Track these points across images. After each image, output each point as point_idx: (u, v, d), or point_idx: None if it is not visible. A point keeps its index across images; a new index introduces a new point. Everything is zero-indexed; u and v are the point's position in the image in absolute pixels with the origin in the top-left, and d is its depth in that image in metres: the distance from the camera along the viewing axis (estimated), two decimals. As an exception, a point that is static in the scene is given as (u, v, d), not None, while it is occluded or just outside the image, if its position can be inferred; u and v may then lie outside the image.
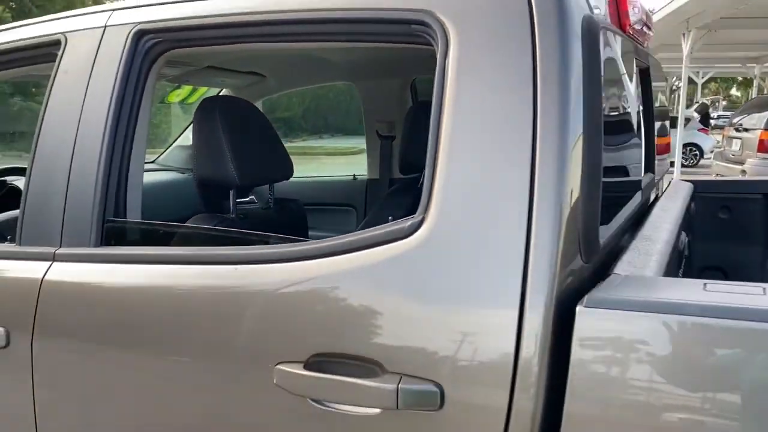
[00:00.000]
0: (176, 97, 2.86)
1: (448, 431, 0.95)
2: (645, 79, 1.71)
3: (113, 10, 1.41)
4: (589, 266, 1.00)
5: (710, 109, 22.16)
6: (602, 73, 1.02)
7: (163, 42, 1.33)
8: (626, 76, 1.36)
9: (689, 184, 2.19)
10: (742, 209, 2.19)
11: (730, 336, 0.84)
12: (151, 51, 1.34)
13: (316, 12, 1.19)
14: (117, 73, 1.30)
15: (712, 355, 0.84)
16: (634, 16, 1.40)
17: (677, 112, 13.48)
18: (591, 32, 1.02)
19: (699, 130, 16.22)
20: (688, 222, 1.76)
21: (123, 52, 1.31)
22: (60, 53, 1.41)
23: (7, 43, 1.56)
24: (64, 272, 1.30)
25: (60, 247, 1.31)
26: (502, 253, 0.93)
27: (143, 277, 1.23)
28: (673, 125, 11.76)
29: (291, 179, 1.86)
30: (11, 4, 26.74)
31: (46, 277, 1.30)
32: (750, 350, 0.83)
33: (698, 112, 17.48)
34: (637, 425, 0.86)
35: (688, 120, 16.50)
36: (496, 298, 0.93)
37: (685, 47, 11.04)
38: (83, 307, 1.28)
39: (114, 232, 1.31)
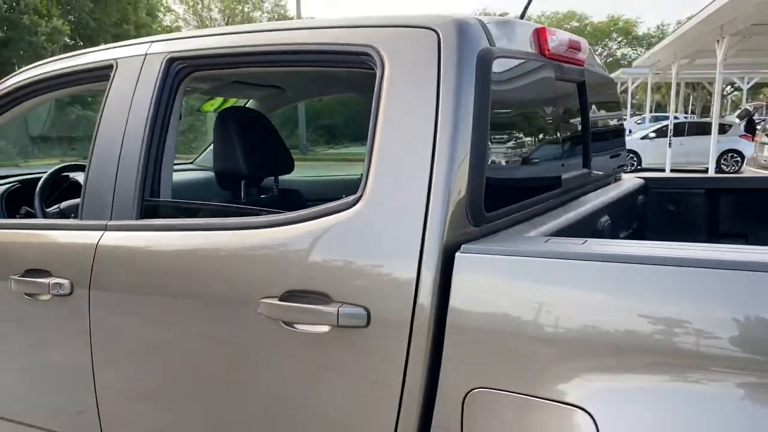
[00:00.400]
0: (211, 106, 3.32)
1: (373, 340, 1.36)
2: (581, 89, 2.08)
3: (151, 41, 1.87)
4: (480, 229, 1.39)
5: (756, 115, 21.83)
6: (491, 92, 1.41)
7: (187, 67, 1.78)
8: (539, 89, 1.75)
9: (640, 180, 2.54)
10: (687, 202, 2.53)
11: (546, 269, 1.23)
12: (180, 73, 1.79)
13: (297, 46, 1.62)
14: (154, 90, 1.76)
15: (538, 282, 1.24)
16: (553, 42, 1.78)
17: (719, 118, 13.55)
18: (485, 60, 1.41)
19: (741, 136, 16.10)
20: (618, 208, 2.11)
21: (158, 73, 1.76)
22: (112, 74, 1.87)
23: (75, 65, 2.04)
24: (113, 239, 1.75)
25: (110, 220, 1.77)
26: (411, 221, 1.34)
27: (169, 241, 1.68)
28: (714, 131, 11.86)
29: (311, 178, 2.28)
30: (70, 17, 28.14)
31: (100, 242, 1.76)
32: (562, 280, 1.22)
33: (740, 118, 17.34)
34: (493, 328, 1.25)
35: (729, 126, 16.40)
36: (405, 250, 1.33)
37: (720, 54, 11.13)
38: (126, 264, 1.74)
39: (150, 208, 1.76)
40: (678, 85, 20.88)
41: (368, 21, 1.56)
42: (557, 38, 1.81)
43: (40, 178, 2.45)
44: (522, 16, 2.00)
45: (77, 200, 1.93)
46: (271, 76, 2.66)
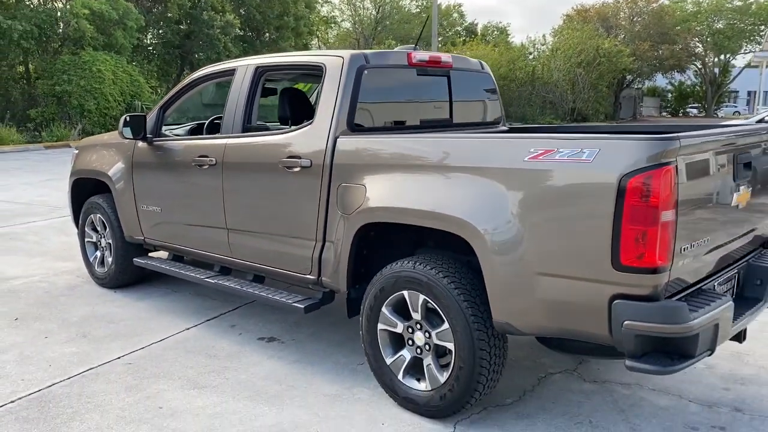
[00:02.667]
0: (301, 87, 5.80)
1: (314, 173, 3.74)
2: (449, 78, 4.29)
3: (249, 60, 4.35)
4: (349, 132, 3.72)
5: None
6: (361, 83, 3.70)
7: (262, 71, 4.24)
8: (404, 79, 4.02)
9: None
10: None
11: (361, 140, 3.55)
12: (259, 74, 4.25)
13: (295, 61, 4.04)
14: (250, 82, 4.23)
15: (364, 144, 3.55)
16: (415, 57, 4.03)
17: None
18: (359, 71, 3.72)
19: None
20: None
21: (252, 74, 4.23)
22: (234, 74, 4.38)
23: (218, 70, 4.60)
24: (231, 141, 4.26)
25: (230, 134, 4.29)
26: (326, 129, 3.70)
27: (247, 141, 4.16)
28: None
29: None
30: (241, 11, 32.32)
31: (227, 142, 4.29)
32: (370, 142, 3.53)
33: None
34: (345, 163, 3.59)
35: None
36: (324, 137, 3.70)
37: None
38: (235, 152, 4.23)
39: (245, 129, 4.24)
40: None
41: (321, 53, 3.92)
42: (418, 56, 4.05)
43: (203, 123, 5.11)
44: (416, 44, 4.27)
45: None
46: (291, 75, 5.06)
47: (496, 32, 57.98)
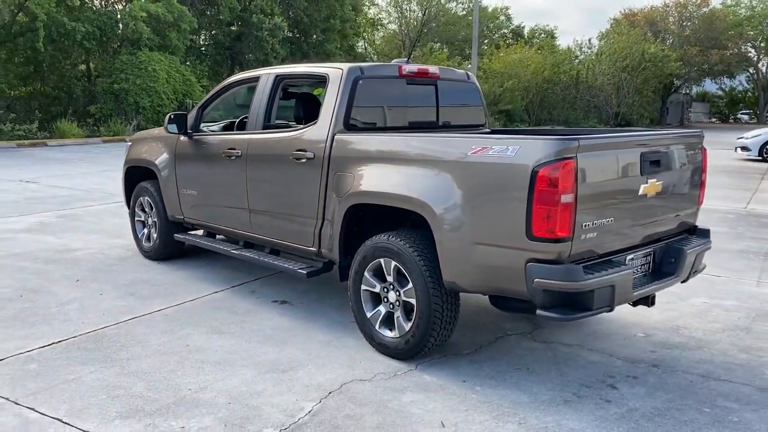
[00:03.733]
0: (317, 92, 6.68)
1: (316, 164, 4.60)
2: (436, 87, 5.10)
3: (270, 69, 5.25)
4: (346, 131, 4.57)
5: None
6: (356, 91, 4.54)
7: (281, 79, 5.13)
8: (394, 88, 4.85)
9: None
10: None
11: (350, 136, 4.40)
12: (278, 81, 5.14)
13: (303, 71, 4.92)
14: (271, 87, 5.13)
15: (353, 141, 4.41)
16: (405, 69, 4.86)
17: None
18: (355, 81, 4.56)
19: None
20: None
21: (272, 81, 5.13)
22: (258, 81, 5.29)
23: (246, 77, 5.52)
24: (254, 137, 5.17)
25: (254, 131, 5.19)
26: (327, 127, 4.57)
27: (268, 136, 5.06)
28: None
29: None
30: (290, 13, 33.53)
31: (250, 138, 5.20)
32: (358, 139, 4.38)
33: None
34: (339, 156, 4.45)
35: None
36: (324, 134, 4.57)
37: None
38: (257, 145, 5.13)
39: (265, 126, 5.14)
40: None
41: (326, 65, 4.79)
42: (408, 68, 4.88)
43: (234, 121, 6.05)
44: (408, 58, 5.09)
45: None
46: (304, 83, 5.92)
47: (543, 35, 58.01)
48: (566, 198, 3.34)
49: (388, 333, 4.19)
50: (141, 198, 6.55)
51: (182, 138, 5.91)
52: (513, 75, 40.75)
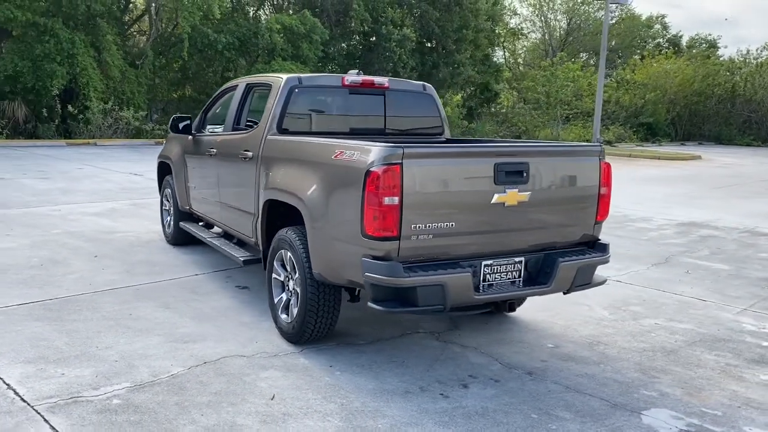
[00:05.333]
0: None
1: (252, 163, 5.15)
2: (385, 97, 5.45)
3: (242, 79, 5.87)
4: (277, 134, 5.06)
5: None
6: (291, 99, 5.03)
7: (252, 87, 5.74)
8: (334, 98, 5.27)
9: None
10: None
11: (284, 140, 4.88)
12: (249, 88, 5.75)
13: (255, 80, 5.47)
14: (242, 94, 5.76)
15: (287, 141, 4.89)
16: (348, 79, 5.26)
17: None
18: (291, 89, 5.05)
19: None
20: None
21: (243, 89, 5.75)
22: (236, 89, 5.93)
23: (232, 85, 6.19)
24: (222, 137, 5.82)
25: (229, 131, 5.84)
26: (264, 131, 5.10)
27: (237, 135, 5.68)
28: None
29: None
30: (422, 24, 34.18)
31: (221, 139, 5.85)
32: (282, 143, 4.87)
33: None
34: (271, 156, 4.96)
35: None
36: (261, 136, 5.10)
37: None
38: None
39: (236, 128, 5.77)
40: None
41: (275, 75, 5.30)
42: (350, 79, 5.28)
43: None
44: (358, 70, 5.49)
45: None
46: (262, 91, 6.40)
47: (703, 44, 54.14)
48: (390, 200, 3.61)
49: (285, 318, 4.62)
50: (165, 190, 7.46)
51: (189, 138, 6.71)
52: (657, 87, 38.63)
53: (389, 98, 5.51)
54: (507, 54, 47.88)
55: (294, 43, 26.74)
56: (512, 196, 3.98)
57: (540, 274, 4.20)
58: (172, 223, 7.29)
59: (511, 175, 3.97)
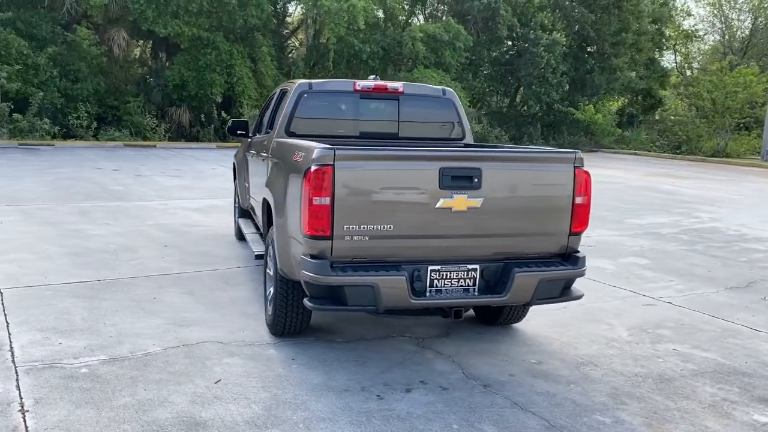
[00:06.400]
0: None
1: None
2: (400, 102, 5.52)
3: (283, 85, 6.21)
4: (287, 136, 5.32)
5: None
6: (300, 103, 5.28)
7: (282, 93, 6.07)
8: (345, 102, 5.43)
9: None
10: None
11: (279, 141, 5.15)
12: (280, 94, 6.09)
13: (285, 88, 5.77)
14: (276, 99, 6.11)
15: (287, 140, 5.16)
16: (360, 84, 5.40)
17: None
18: (300, 94, 5.30)
19: None
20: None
21: (278, 96, 6.10)
22: (281, 93, 6.30)
23: (279, 90, 6.58)
24: (275, 139, 6.20)
25: (275, 135, 6.23)
26: (276, 133, 5.40)
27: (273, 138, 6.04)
28: None
29: None
30: (576, 27, 32.94)
31: (274, 139, 6.24)
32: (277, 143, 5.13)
33: None
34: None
35: None
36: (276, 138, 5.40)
37: None
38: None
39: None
40: None
41: (292, 82, 5.57)
42: (362, 84, 5.41)
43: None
44: (375, 76, 5.60)
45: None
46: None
47: None
48: (321, 200, 3.72)
49: (269, 310, 4.87)
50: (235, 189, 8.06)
51: (248, 140, 7.21)
52: None
53: (404, 103, 5.56)
54: (679, 58, 44.61)
55: (437, 51, 27.05)
56: (460, 201, 3.90)
57: (498, 283, 4.06)
58: (236, 219, 7.85)
59: (459, 179, 3.89)
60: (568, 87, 31.95)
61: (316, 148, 3.81)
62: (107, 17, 23.06)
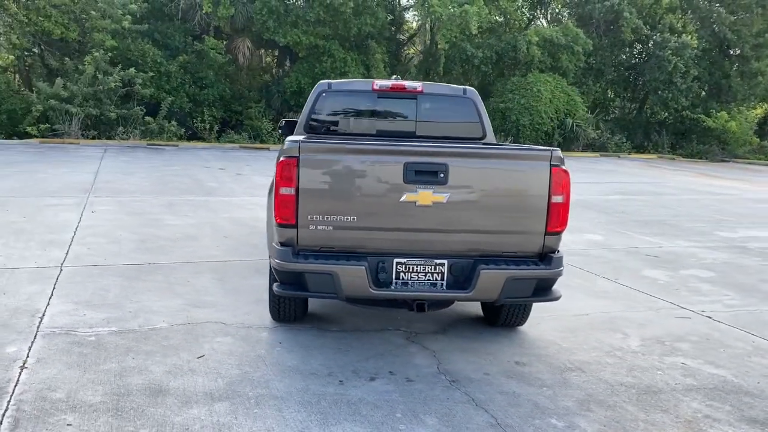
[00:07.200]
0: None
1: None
2: (417, 100, 5.60)
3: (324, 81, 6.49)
4: (308, 137, 5.56)
5: None
6: (319, 102, 5.51)
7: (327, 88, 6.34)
8: (364, 101, 5.58)
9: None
10: None
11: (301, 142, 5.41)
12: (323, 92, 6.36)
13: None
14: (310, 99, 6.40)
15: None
16: (378, 84, 5.55)
17: None
18: (319, 93, 5.54)
19: None
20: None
21: (316, 91, 6.37)
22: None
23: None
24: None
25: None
26: (297, 135, 5.66)
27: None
28: None
29: None
30: (713, 28, 30.91)
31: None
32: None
33: None
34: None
35: None
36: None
37: None
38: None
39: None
40: None
41: (321, 82, 5.82)
42: (380, 83, 5.55)
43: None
44: (396, 75, 5.72)
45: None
46: None
47: None
48: (287, 190, 3.93)
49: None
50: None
51: (298, 138, 7.57)
52: None
53: (422, 102, 5.63)
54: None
55: (553, 55, 26.38)
56: (425, 196, 3.94)
57: (466, 279, 4.05)
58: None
59: (423, 174, 3.93)
60: (703, 93, 29.97)
61: (288, 141, 4.02)
62: (233, 28, 24.67)
